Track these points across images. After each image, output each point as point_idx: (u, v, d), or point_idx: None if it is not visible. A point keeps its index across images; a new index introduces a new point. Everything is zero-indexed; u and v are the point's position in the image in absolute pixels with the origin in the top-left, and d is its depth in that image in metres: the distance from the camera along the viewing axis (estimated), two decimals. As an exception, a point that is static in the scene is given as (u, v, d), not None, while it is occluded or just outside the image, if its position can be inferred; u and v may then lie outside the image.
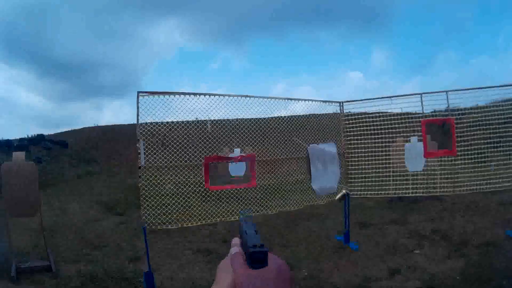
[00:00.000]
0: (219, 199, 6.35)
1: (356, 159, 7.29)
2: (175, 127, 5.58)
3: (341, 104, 7.29)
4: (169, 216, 5.60)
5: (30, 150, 16.94)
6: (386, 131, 7.13)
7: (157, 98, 5.25)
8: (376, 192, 7.21)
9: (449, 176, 7.13)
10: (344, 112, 7.34)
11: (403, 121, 7.14)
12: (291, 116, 6.74)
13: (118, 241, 7.94)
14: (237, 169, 7.20)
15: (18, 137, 19.55)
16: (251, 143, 6.17)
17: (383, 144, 7.21)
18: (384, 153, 7.26)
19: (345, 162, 7.29)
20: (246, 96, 5.99)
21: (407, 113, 7.31)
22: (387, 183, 7.23)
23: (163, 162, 5.42)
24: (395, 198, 8.99)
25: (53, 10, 77.79)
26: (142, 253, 6.74)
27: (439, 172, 7.37)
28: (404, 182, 7.34)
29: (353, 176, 7.33)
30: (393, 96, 7.10)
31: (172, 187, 5.65)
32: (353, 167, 7.33)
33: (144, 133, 5.23)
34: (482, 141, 6.94)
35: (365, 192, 7.25)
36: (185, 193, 5.74)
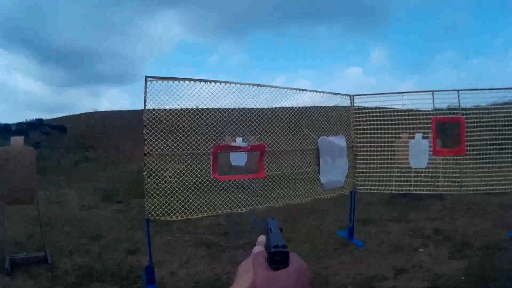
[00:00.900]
0: (225, 190, 6.18)
1: (365, 153, 7.20)
2: (183, 114, 5.38)
3: (352, 98, 7.13)
4: (174, 206, 5.43)
5: (28, 134, 16.77)
6: (395, 126, 7.04)
7: (166, 84, 5.05)
8: (382, 188, 7.11)
9: (453, 175, 7.06)
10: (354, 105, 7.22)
11: (411, 117, 7.04)
12: (299, 108, 6.56)
13: (116, 231, 7.80)
14: (238, 159, 7.05)
15: (16, 122, 19.41)
16: (255, 133, 6.00)
17: (391, 139, 7.13)
18: (390, 148, 7.17)
19: (353, 156, 7.16)
20: (257, 85, 5.81)
21: (416, 110, 7.23)
22: (392, 179, 7.14)
23: (170, 149, 5.21)
24: (398, 194, 8.91)
25: (53, -1, 77.10)
26: (140, 245, 6.62)
27: (442, 171, 7.26)
28: (407, 179, 7.28)
29: (360, 170, 7.23)
30: (404, 92, 7.01)
31: (176, 176, 5.47)
32: (361, 161, 7.23)
33: (151, 119, 5.05)
34: (487, 141, 6.87)
35: (372, 187, 7.15)
36: (191, 183, 5.58)
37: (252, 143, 5.98)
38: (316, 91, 6.57)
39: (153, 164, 5.14)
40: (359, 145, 7.20)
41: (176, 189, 5.42)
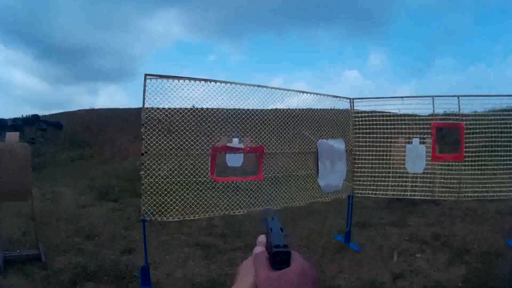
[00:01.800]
0: (221, 191, 6.12)
1: (363, 157, 7.16)
2: (182, 113, 5.29)
3: (351, 101, 7.10)
4: (170, 207, 5.36)
5: (24, 130, 16.65)
6: (393, 130, 7.02)
7: (165, 82, 4.98)
8: (380, 193, 7.09)
9: (451, 181, 7.01)
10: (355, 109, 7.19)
11: (410, 122, 7.01)
12: (297, 109, 6.51)
13: (111, 230, 7.70)
14: (234, 160, 6.98)
15: (12, 117, 19.28)
16: (252, 134, 5.93)
17: (389, 144, 7.10)
18: (388, 153, 7.15)
19: (352, 160, 7.13)
20: (257, 85, 5.75)
21: (414, 115, 7.21)
22: (389, 183, 7.10)
23: (167, 149, 5.13)
24: (395, 199, 8.90)
25: (53, -5, 76.67)
26: (136, 244, 6.55)
27: (439, 177, 7.25)
28: (404, 183, 7.17)
29: (358, 174, 7.19)
30: (405, 97, 6.95)
31: (173, 177, 5.38)
32: (359, 166, 7.19)
33: (150, 118, 4.97)
34: (485, 148, 6.88)
35: (370, 192, 7.12)
36: (188, 184, 5.49)
37: (248, 145, 5.93)
38: (316, 94, 6.53)
39: (151, 164, 5.06)
40: (357, 149, 7.15)
41: (174, 189, 5.34)
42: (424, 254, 6.59)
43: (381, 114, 7.11)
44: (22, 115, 19.90)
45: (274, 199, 6.17)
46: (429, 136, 6.91)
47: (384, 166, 7.12)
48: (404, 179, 7.09)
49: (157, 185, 5.16)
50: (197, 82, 5.21)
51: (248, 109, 5.84)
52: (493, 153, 6.88)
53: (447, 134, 9.00)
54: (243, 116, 5.81)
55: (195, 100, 5.30)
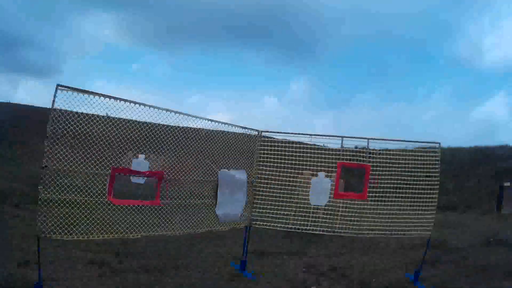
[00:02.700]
0: (119, 210, 5.92)
1: (266, 188, 7.27)
2: (89, 128, 5.18)
3: (259, 133, 7.24)
4: (66, 225, 5.13)
5: None
6: (299, 162, 7.13)
7: (76, 96, 4.88)
8: (278, 224, 7.20)
9: (352, 217, 7.18)
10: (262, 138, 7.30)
11: (317, 154, 7.14)
12: (208, 130, 6.61)
13: (9, 238, 7.25)
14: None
15: None
16: (159, 152, 5.96)
17: (293, 176, 7.24)
18: (291, 184, 7.28)
19: (252, 190, 7.24)
20: (166, 109, 5.83)
21: (322, 147, 7.37)
22: (289, 215, 7.24)
23: (69, 166, 5.01)
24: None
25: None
26: (32, 256, 6.10)
27: (340, 211, 7.39)
28: (305, 216, 7.33)
29: (259, 205, 7.28)
30: (313, 135, 7.17)
31: (73, 194, 5.14)
32: (260, 196, 7.29)
33: (55, 130, 4.79)
34: (388, 185, 7.07)
35: (267, 224, 7.23)
36: (89, 203, 5.35)
37: (154, 162, 5.86)
38: (225, 123, 6.76)
39: (50, 179, 4.87)
40: (260, 180, 7.27)
41: (71, 206, 5.17)
42: (320, 286, 6.66)
43: (287, 143, 7.24)
44: None
45: (172, 224, 6.09)
46: (335, 171, 7.10)
47: (287, 197, 7.24)
48: (306, 211, 7.23)
49: (53, 202, 4.97)
50: (106, 99, 5.18)
51: (158, 124, 5.87)
52: (398, 191, 7.09)
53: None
54: (152, 132, 5.85)
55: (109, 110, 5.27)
